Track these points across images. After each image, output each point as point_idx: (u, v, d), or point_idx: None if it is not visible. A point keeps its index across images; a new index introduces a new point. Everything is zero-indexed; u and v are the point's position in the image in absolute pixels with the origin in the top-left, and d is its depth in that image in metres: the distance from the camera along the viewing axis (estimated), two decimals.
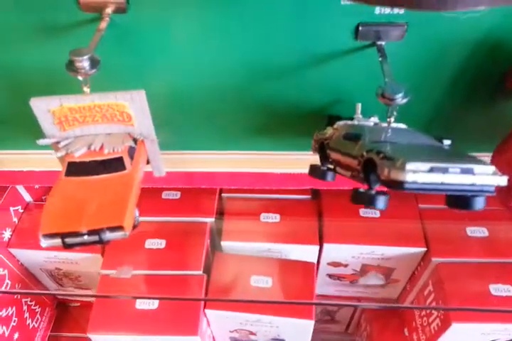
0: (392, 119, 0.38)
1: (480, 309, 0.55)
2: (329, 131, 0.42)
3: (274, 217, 0.69)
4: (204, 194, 0.70)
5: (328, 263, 0.71)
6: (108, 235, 0.33)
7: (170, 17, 0.40)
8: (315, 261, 0.69)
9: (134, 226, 0.36)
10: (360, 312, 0.96)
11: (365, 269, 0.71)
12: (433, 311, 0.67)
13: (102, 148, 0.38)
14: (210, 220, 0.69)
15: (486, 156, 0.44)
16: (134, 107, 0.38)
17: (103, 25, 0.38)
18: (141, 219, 0.69)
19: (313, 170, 0.43)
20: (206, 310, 0.61)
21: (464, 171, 0.25)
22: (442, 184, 0.25)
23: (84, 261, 0.68)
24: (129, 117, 0.38)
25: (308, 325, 0.59)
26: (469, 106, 0.45)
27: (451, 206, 0.29)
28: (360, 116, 0.44)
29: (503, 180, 0.26)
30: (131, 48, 0.42)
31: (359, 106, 0.44)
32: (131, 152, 0.39)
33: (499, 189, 0.44)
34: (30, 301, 0.74)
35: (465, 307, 0.56)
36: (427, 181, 0.25)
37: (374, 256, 0.67)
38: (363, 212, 0.69)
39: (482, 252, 0.64)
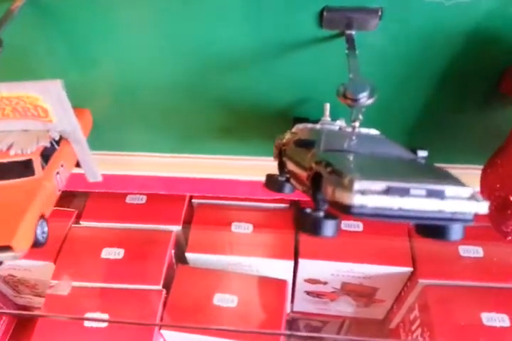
0: (358, 124, 0.31)
1: None
2: (287, 135, 0.36)
3: (246, 227, 0.62)
4: (172, 199, 0.64)
5: (306, 280, 0.65)
6: None
7: None
8: (290, 277, 0.63)
9: (38, 244, 0.30)
10: (346, 330, 0.89)
11: (345, 288, 0.65)
12: (419, 337, 0.60)
13: (10, 148, 0.32)
14: (176, 228, 0.63)
15: (476, 169, 0.37)
16: (50, 100, 0.32)
17: (18, 3, 0.33)
18: (100, 225, 0.64)
19: (269, 180, 0.37)
20: (162, 331, 0.55)
21: (431, 194, 0.19)
22: (401, 210, 0.19)
23: (37, 269, 0.63)
24: (45, 112, 0.32)
25: None
26: (457, 111, 0.38)
27: (421, 234, 0.23)
28: (329, 118, 0.38)
29: (482, 207, 0.20)
30: (57, 33, 0.36)
31: (327, 106, 0.38)
32: (49, 153, 0.33)
33: (492, 211, 0.38)
34: None
35: None
36: (379, 206, 0.19)
37: (354, 274, 0.61)
38: (345, 225, 0.62)
39: (475, 275, 0.57)
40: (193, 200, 0.66)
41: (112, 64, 0.39)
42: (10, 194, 0.30)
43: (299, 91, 0.40)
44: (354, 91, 0.29)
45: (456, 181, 0.21)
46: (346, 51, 0.32)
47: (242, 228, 0.62)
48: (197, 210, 0.66)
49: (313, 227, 0.22)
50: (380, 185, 0.19)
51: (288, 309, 0.76)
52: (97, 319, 0.51)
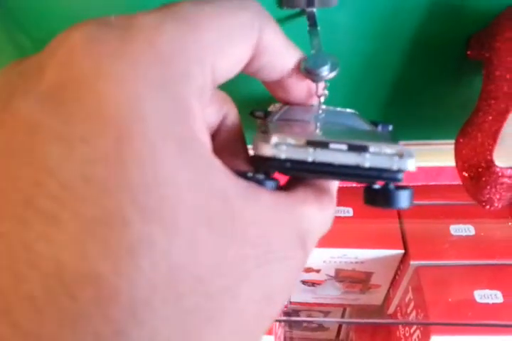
0: (323, 99, 0.31)
1: (457, 323, 0.48)
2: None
3: None
4: None
5: None
6: None
7: None
8: None
9: None
10: (348, 319, 0.89)
11: (339, 274, 0.64)
12: (413, 319, 0.60)
13: None
14: None
15: (451, 144, 0.37)
16: None
17: None
18: None
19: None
20: None
21: (352, 149, 0.17)
22: (314, 164, 0.17)
23: None
24: None
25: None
26: (427, 83, 0.38)
27: (369, 203, 0.21)
28: None
29: (407, 164, 0.17)
30: (25, 34, 0.36)
31: None
32: None
33: (467, 181, 0.37)
34: None
35: (441, 322, 0.49)
36: (291, 157, 0.17)
37: (347, 260, 0.60)
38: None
39: (468, 253, 0.57)
40: None
41: None
42: None
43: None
44: (314, 65, 0.29)
45: (394, 143, 0.19)
46: (308, 29, 0.32)
47: None
48: None
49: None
50: (299, 140, 0.18)
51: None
52: None
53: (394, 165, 0.17)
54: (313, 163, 0.16)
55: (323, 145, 0.16)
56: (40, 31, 0.36)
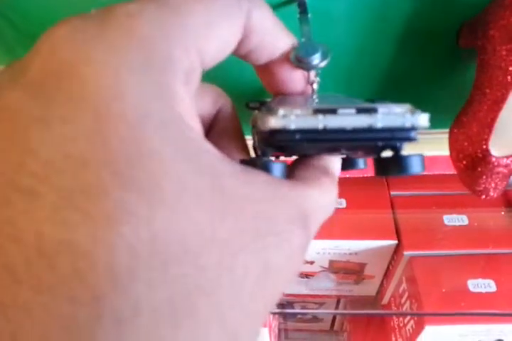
0: (316, 86, 0.30)
1: (450, 313, 0.48)
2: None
3: None
4: None
5: None
6: None
7: None
8: None
9: None
10: (342, 309, 0.90)
11: (333, 265, 0.64)
12: (407, 309, 0.60)
13: None
14: None
15: (443, 133, 0.37)
16: None
17: None
18: None
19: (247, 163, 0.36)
20: None
21: (361, 111, 0.17)
22: (326, 131, 0.17)
23: None
24: None
25: (261, 332, 0.53)
26: (419, 72, 0.37)
27: (381, 173, 0.20)
28: None
29: (420, 119, 0.16)
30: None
31: None
32: None
33: (463, 171, 0.37)
34: None
35: (435, 312, 0.49)
36: (301, 127, 0.16)
37: (340, 251, 0.60)
38: None
39: (461, 243, 0.57)
40: None
41: None
42: None
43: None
44: (305, 54, 0.28)
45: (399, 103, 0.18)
46: (298, 16, 0.31)
47: None
48: None
49: (264, 169, 0.20)
50: (307, 109, 0.18)
51: None
52: None
53: (407, 122, 0.16)
54: (324, 131, 0.16)
55: (332, 111, 0.16)
56: (21, 19, 0.35)
